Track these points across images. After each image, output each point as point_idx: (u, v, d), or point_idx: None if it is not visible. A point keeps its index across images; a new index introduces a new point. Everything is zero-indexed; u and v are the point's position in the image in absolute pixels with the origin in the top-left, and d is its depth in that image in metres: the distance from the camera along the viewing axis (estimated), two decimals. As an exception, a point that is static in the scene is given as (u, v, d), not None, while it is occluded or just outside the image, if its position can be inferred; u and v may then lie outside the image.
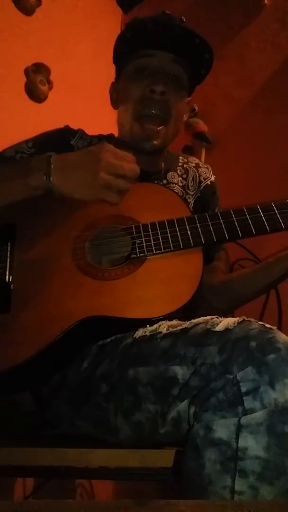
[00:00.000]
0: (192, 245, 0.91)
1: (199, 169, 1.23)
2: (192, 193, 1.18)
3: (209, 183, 1.22)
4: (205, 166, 1.25)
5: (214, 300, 1.11)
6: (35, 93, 1.98)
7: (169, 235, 0.92)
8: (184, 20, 1.07)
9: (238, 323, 0.71)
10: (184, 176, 1.19)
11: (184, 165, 1.21)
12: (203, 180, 1.21)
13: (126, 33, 1.11)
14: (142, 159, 1.12)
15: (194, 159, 1.25)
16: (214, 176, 1.24)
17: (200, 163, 1.25)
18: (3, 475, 1.02)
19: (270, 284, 1.09)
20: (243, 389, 0.63)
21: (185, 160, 1.23)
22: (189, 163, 1.22)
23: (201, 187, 1.20)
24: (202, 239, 0.91)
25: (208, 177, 1.23)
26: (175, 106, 1.08)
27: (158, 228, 0.93)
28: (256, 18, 2.09)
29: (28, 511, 0.46)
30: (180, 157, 1.23)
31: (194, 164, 1.23)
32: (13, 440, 0.84)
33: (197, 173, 1.21)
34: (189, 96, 1.19)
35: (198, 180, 1.21)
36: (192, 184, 1.19)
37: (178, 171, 1.19)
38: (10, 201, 0.91)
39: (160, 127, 1.08)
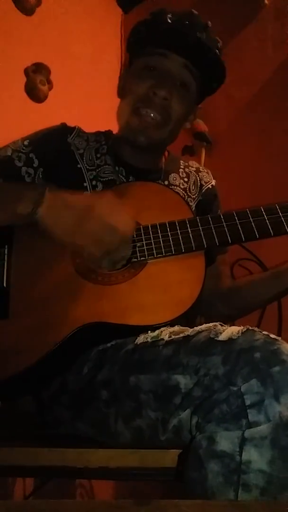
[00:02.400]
0: (194, 249, 0.89)
1: (199, 173, 1.21)
2: (194, 196, 1.17)
3: (210, 186, 1.21)
4: (205, 170, 1.24)
5: (222, 307, 1.10)
6: (35, 93, 1.98)
7: (170, 238, 0.90)
8: (210, 25, 1.05)
9: (242, 332, 0.70)
10: (186, 179, 1.18)
11: (186, 169, 1.20)
12: (204, 184, 1.20)
13: (145, 27, 1.08)
14: (140, 156, 1.11)
15: (194, 163, 1.24)
16: (214, 181, 1.23)
17: (200, 167, 1.24)
18: (3, 475, 1.02)
19: (280, 293, 1.06)
20: (247, 402, 0.63)
21: (186, 164, 1.22)
22: (190, 167, 1.21)
23: (203, 191, 1.19)
24: (204, 243, 0.89)
25: (209, 181, 1.22)
26: (175, 112, 1.06)
27: (159, 230, 0.91)
28: (256, 18, 2.09)
29: (28, 511, 0.46)
30: (181, 161, 1.22)
31: (194, 169, 1.22)
32: (13, 440, 0.83)
33: (198, 177, 1.20)
34: (198, 104, 1.17)
35: (199, 184, 1.19)
36: (193, 188, 1.18)
37: (180, 174, 1.18)
38: None
39: (157, 127, 1.06)
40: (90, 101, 2.16)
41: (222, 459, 0.62)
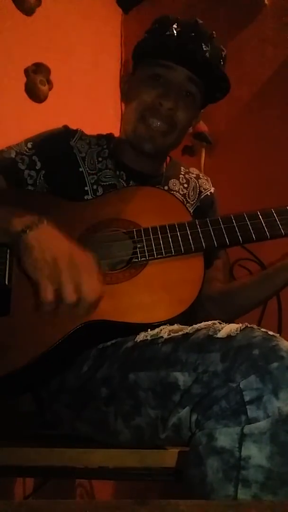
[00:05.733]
0: (193, 250, 0.91)
1: (199, 180, 1.23)
2: (192, 202, 1.19)
3: (208, 194, 1.23)
4: (205, 178, 1.26)
5: (214, 310, 1.10)
6: (35, 93, 1.97)
7: (170, 240, 0.92)
8: (215, 36, 1.06)
9: (240, 330, 0.71)
10: (185, 185, 1.19)
11: (186, 175, 1.22)
12: (203, 191, 1.22)
13: (151, 39, 1.08)
14: (142, 161, 1.13)
15: (194, 170, 1.26)
16: (213, 188, 1.25)
17: (200, 174, 1.26)
18: (3, 475, 1.02)
19: (272, 294, 1.09)
20: (247, 398, 0.63)
21: (186, 170, 1.23)
22: (190, 174, 1.23)
23: (201, 197, 1.21)
24: (203, 244, 0.92)
25: (207, 189, 1.24)
26: (180, 121, 1.07)
27: (159, 232, 0.93)
28: (256, 18, 2.09)
29: (28, 511, 0.46)
30: (182, 167, 1.23)
31: (194, 175, 1.24)
32: (13, 440, 0.83)
33: (197, 184, 1.22)
34: (201, 110, 1.18)
35: (198, 190, 1.21)
36: (192, 194, 1.20)
37: (180, 180, 1.20)
38: None
39: (163, 135, 1.07)
40: (90, 101, 2.16)
41: (222, 455, 0.62)
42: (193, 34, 1.03)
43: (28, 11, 1.97)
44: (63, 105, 2.05)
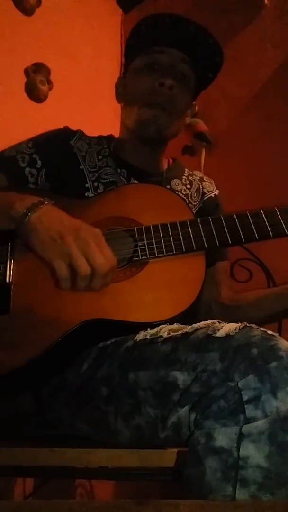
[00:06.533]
0: (194, 248, 0.91)
1: (203, 182, 1.23)
2: (195, 203, 1.18)
3: (212, 196, 1.22)
4: (209, 180, 1.26)
5: (222, 316, 1.09)
6: (35, 93, 1.98)
7: (171, 238, 0.91)
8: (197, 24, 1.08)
9: (239, 329, 0.71)
10: (188, 186, 1.19)
11: (189, 177, 1.22)
12: (206, 193, 1.21)
13: (140, 27, 1.12)
14: (142, 154, 1.14)
15: (198, 173, 1.26)
16: (218, 191, 1.25)
17: (205, 177, 1.26)
18: (3, 475, 1.02)
19: (285, 311, 1.04)
20: (245, 397, 0.63)
21: (190, 173, 1.23)
22: (194, 176, 1.23)
23: (204, 199, 1.20)
24: (205, 243, 0.91)
25: (211, 191, 1.23)
26: (180, 102, 1.10)
27: (160, 231, 0.92)
28: (256, 18, 2.09)
29: (28, 511, 0.46)
30: (186, 169, 1.24)
31: (198, 178, 1.24)
32: (13, 440, 0.83)
33: (201, 186, 1.22)
34: (193, 100, 1.20)
35: (201, 192, 1.21)
36: (195, 195, 1.19)
37: (183, 180, 1.19)
38: None
39: (166, 116, 1.08)
40: (90, 101, 2.16)
41: (220, 455, 0.62)
42: (180, 19, 1.07)
43: (28, 11, 1.97)
44: (63, 105, 2.05)
